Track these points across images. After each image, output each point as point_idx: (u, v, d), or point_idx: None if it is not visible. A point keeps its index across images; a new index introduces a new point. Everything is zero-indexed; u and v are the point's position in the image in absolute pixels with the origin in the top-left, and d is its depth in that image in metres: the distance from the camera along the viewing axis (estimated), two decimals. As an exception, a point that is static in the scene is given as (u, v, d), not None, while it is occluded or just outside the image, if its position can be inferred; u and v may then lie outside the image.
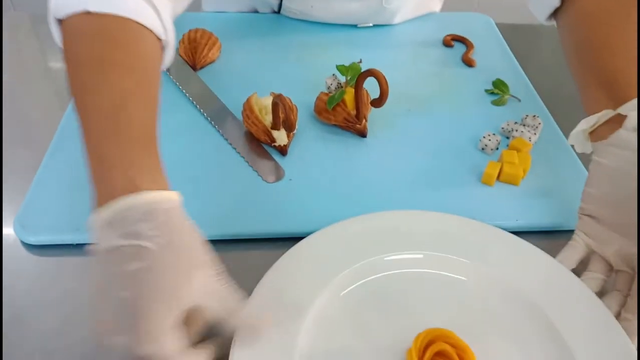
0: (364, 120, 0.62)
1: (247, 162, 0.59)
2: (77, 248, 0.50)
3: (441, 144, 0.63)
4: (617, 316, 0.45)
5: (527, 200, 0.56)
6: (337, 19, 0.81)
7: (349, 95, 0.62)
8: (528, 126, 0.64)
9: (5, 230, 0.52)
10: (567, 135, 0.58)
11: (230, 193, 0.55)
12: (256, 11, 0.86)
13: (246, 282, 0.45)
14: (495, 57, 0.78)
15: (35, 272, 0.49)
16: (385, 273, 0.48)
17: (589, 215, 0.49)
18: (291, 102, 0.59)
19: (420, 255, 0.49)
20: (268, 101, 0.61)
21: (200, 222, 0.51)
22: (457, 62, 0.77)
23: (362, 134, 0.63)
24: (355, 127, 0.62)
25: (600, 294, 0.46)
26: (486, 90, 0.71)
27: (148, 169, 0.40)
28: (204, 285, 0.37)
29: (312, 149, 0.61)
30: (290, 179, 0.57)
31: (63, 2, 0.46)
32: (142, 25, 0.46)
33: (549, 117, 0.68)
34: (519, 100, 0.70)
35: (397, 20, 0.82)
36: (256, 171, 0.58)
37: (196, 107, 0.65)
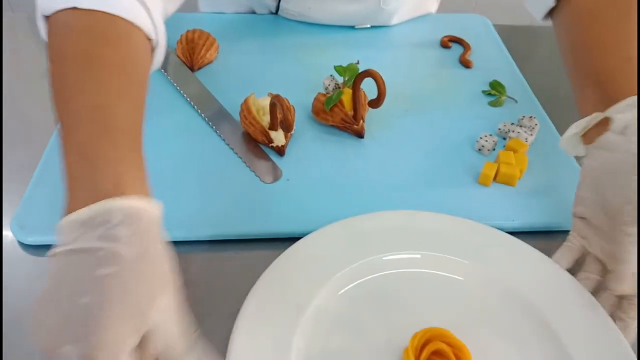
0: (361, 121, 0.62)
1: (245, 163, 0.59)
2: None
3: (438, 145, 0.63)
4: (610, 316, 0.45)
5: (523, 200, 0.56)
6: (334, 20, 0.81)
7: (347, 96, 0.62)
8: (525, 127, 0.64)
9: (2, 231, 0.52)
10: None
11: (228, 193, 0.55)
12: (253, 12, 0.86)
13: (243, 282, 0.46)
14: (493, 58, 0.78)
15: (33, 273, 0.49)
16: (383, 273, 0.48)
17: (581, 217, 0.49)
18: (289, 103, 0.59)
19: (418, 255, 0.49)
20: (266, 102, 0.61)
21: (198, 222, 0.52)
22: (455, 63, 0.77)
23: (360, 134, 0.63)
24: (352, 127, 0.62)
25: (594, 293, 0.47)
26: (483, 91, 0.72)
27: (133, 173, 0.38)
28: (168, 308, 0.35)
29: (309, 150, 0.61)
30: (288, 180, 0.57)
31: None
32: (132, 23, 0.45)
33: (545, 118, 0.68)
34: (516, 102, 0.70)
35: (394, 21, 0.82)
36: (254, 172, 0.58)
37: (194, 107, 0.65)
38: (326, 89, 0.68)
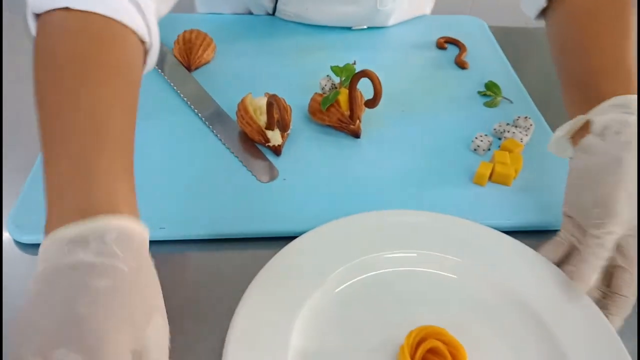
0: (357, 121, 0.63)
1: (241, 162, 0.59)
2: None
3: (434, 145, 0.63)
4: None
5: (518, 200, 0.57)
6: (331, 21, 0.81)
7: (343, 96, 0.63)
8: (520, 127, 0.64)
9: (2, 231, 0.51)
10: (558, 136, 0.58)
11: (224, 193, 0.55)
12: (250, 13, 0.86)
13: (240, 281, 0.46)
14: (488, 60, 0.79)
15: (29, 272, 0.49)
16: (378, 271, 0.48)
17: (569, 216, 0.50)
18: (285, 103, 0.60)
19: (413, 254, 0.49)
20: (262, 101, 0.61)
21: (194, 221, 0.52)
22: (450, 64, 0.77)
23: (356, 134, 0.63)
24: (349, 127, 0.63)
25: None
26: (479, 92, 0.72)
27: (126, 190, 0.37)
28: (162, 327, 0.34)
29: (306, 149, 0.61)
30: (284, 179, 0.57)
31: None
32: (126, 25, 0.44)
33: (540, 118, 0.68)
34: (511, 102, 0.71)
35: (391, 22, 0.83)
36: (250, 171, 0.58)
37: (190, 107, 0.65)
38: (323, 89, 0.69)
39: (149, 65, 0.49)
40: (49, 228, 0.34)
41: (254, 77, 0.71)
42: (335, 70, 0.65)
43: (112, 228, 0.33)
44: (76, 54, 0.41)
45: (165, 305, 0.36)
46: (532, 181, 0.59)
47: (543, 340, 0.44)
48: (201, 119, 0.64)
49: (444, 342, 0.42)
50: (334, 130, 0.64)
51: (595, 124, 0.49)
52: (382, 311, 0.46)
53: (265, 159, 0.60)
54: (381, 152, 0.62)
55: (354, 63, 0.66)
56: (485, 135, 0.62)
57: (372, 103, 0.61)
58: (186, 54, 0.71)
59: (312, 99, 0.64)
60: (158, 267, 0.37)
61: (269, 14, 0.84)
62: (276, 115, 0.59)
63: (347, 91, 0.62)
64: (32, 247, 0.50)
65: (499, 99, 0.70)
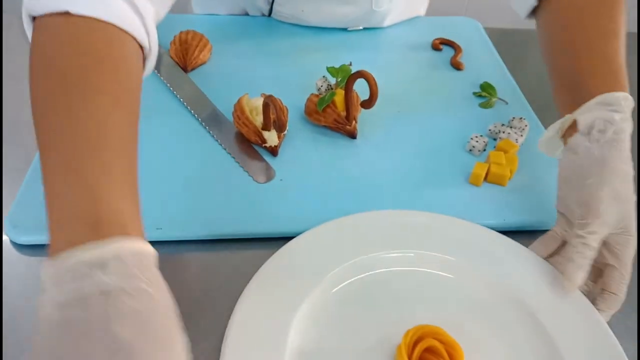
0: (353, 122, 0.63)
1: (238, 163, 0.59)
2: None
3: (430, 145, 0.64)
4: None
5: (513, 200, 0.57)
6: (327, 23, 0.81)
7: (339, 97, 0.63)
8: (515, 128, 0.65)
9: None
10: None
11: (221, 193, 0.55)
12: (246, 14, 0.86)
13: (237, 281, 0.46)
14: (483, 61, 0.79)
15: (27, 273, 0.49)
16: (375, 271, 0.48)
17: (561, 213, 0.51)
18: (282, 103, 0.60)
19: (410, 254, 0.50)
20: (259, 102, 0.62)
21: (192, 222, 0.52)
22: (446, 65, 0.78)
23: (352, 135, 0.63)
24: (345, 128, 0.63)
25: None
26: (474, 93, 0.72)
27: (133, 210, 0.36)
28: (184, 345, 0.34)
29: (302, 150, 0.62)
30: (281, 180, 0.58)
31: None
32: (126, 31, 0.43)
33: (535, 119, 0.69)
34: (506, 103, 0.71)
35: (387, 23, 0.83)
36: (247, 172, 0.58)
37: (187, 108, 0.65)
38: (319, 90, 0.69)
39: (147, 70, 0.48)
40: (56, 250, 0.33)
41: (250, 78, 0.71)
42: (331, 71, 0.66)
43: (127, 250, 0.33)
44: (76, 66, 0.39)
45: None
46: (527, 181, 0.59)
47: (539, 338, 0.45)
48: (197, 120, 0.64)
49: (441, 341, 0.42)
50: (330, 131, 0.64)
51: (581, 122, 0.49)
52: (379, 311, 0.46)
53: (261, 159, 0.60)
54: (377, 153, 0.62)
55: (350, 64, 0.66)
56: (481, 135, 0.63)
57: (368, 104, 0.62)
58: (182, 54, 0.71)
59: (309, 100, 0.64)
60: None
61: (264, 16, 0.84)
62: (273, 116, 0.59)
63: (343, 92, 0.62)
64: (29, 248, 0.50)
65: (494, 100, 0.71)
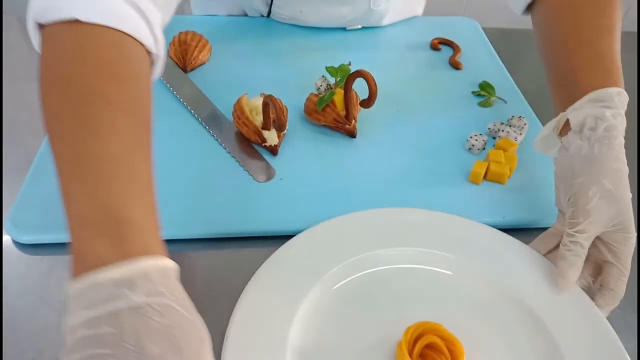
0: (353, 121, 0.63)
1: (238, 162, 0.59)
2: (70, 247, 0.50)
3: (429, 144, 0.64)
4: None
5: (513, 198, 0.57)
6: (326, 23, 0.81)
7: (339, 96, 0.63)
8: (514, 127, 0.65)
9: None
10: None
11: (222, 192, 0.56)
12: (245, 15, 0.86)
13: (237, 279, 0.46)
14: (482, 60, 0.79)
15: (28, 272, 0.49)
16: (375, 269, 0.49)
17: (560, 211, 0.51)
18: (281, 103, 0.60)
19: (410, 252, 0.50)
20: (258, 102, 0.62)
21: (192, 220, 0.52)
22: (445, 64, 0.78)
23: (352, 134, 0.64)
24: (344, 127, 0.63)
25: None
26: (473, 92, 0.73)
27: (155, 227, 0.37)
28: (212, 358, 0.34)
29: (302, 149, 0.62)
30: (281, 179, 0.58)
31: (48, 6, 0.40)
32: (134, 38, 0.42)
33: (534, 117, 0.69)
34: (505, 102, 0.71)
35: (385, 22, 0.83)
36: (247, 171, 0.58)
37: (187, 108, 0.66)
38: (318, 89, 0.69)
39: (155, 76, 0.48)
40: (81, 270, 0.33)
41: (249, 78, 0.71)
42: (331, 70, 0.66)
43: (152, 268, 0.33)
44: (89, 80, 0.39)
45: None
46: (527, 179, 0.60)
47: (539, 334, 0.45)
48: (197, 120, 0.64)
49: (441, 338, 0.42)
50: (329, 130, 0.64)
51: (573, 120, 0.49)
52: (379, 308, 0.46)
53: (261, 158, 0.60)
54: (377, 152, 0.62)
55: (349, 63, 0.66)
56: (480, 134, 0.63)
57: (367, 103, 0.62)
58: (182, 55, 0.71)
59: (308, 99, 0.65)
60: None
61: (263, 17, 0.84)
62: (272, 115, 0.59)
63: (342, 91, 0.63)
64: (30, 247, 0.50)
65: (493, 98, 0.71)
